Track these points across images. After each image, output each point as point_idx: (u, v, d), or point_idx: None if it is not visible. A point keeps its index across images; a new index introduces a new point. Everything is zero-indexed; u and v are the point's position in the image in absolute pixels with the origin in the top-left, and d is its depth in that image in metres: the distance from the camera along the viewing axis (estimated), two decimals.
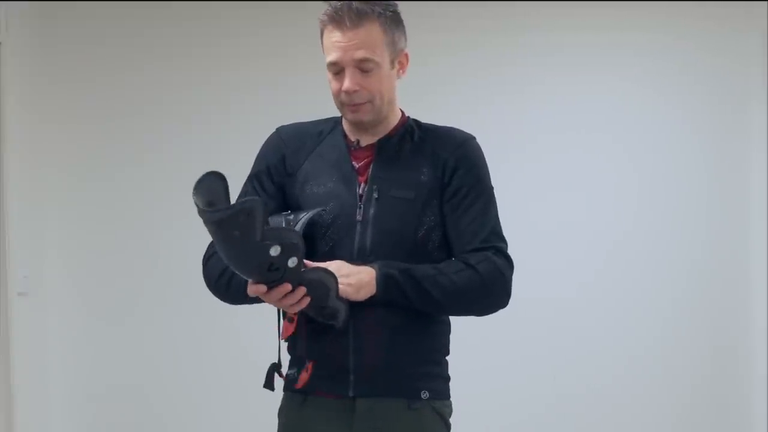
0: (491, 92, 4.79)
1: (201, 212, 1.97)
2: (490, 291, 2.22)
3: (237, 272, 2.07)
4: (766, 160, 4.72)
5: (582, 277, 4.74)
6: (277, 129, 2.38)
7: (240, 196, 2.29)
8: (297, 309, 2.10)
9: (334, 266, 2.13)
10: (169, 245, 4.74)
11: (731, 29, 4.76)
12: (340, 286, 2.11)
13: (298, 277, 2.03)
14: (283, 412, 2.29)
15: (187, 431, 4.82)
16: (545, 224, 4.73)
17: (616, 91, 4.80)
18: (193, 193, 2.00)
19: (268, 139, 2.37)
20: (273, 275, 2.00)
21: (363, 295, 2.14)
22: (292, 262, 1.99)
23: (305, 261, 2.10)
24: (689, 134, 4.80)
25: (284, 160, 2.30)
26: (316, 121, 2.38)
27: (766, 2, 4.69)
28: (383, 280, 2.15)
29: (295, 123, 2.39)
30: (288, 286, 2.03)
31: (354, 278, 2.14)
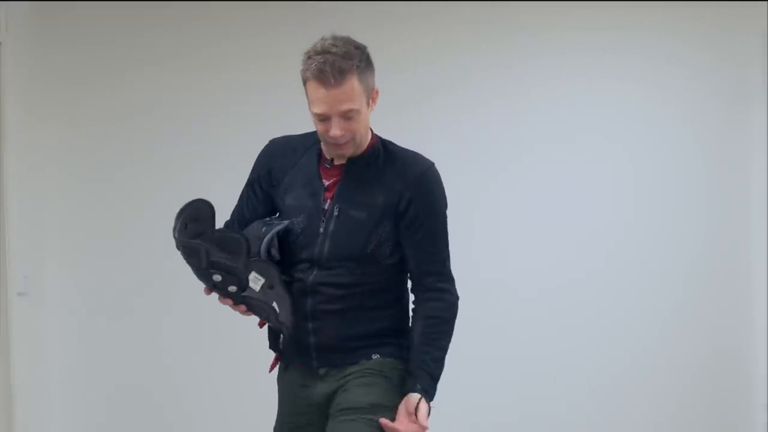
0: (491, 94, 4.78)
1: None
2: (452, 328, 2.65)
3: None
4: (766, 160, 4.72)
5: (582, 277, 4.74)
6: (270, 141, 2.75)
7: (239, 198, 2.75)
8: (246, 316, 2.63)
9: (403, 428, 2.55)
10: (169, 246, 4.69)
11: (732, 29, 4.76)
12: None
13: (240, 299, 2.56)
14: (278, 377, 2.84)
15: (188, 430, 4.83)
16: (546, 224, 4.72)
17: (615, 91, 4.81)
18: (179, 212, 2.59)
19: (262, 150, 2.75)
20: (218, 291, 2.57)
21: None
22: (231, 288, 2.53)
23: None
24: (689, 134, 4.80)
25: (270, 173, 2.70)
26: (302, 135, 2.73)
27: (766, 2, 4.69)
28: (426, 396, 2.57)
29: (285, 136, 2.75)
30: (230, 301, 2.57)
31: (422, 417, 2.55)
